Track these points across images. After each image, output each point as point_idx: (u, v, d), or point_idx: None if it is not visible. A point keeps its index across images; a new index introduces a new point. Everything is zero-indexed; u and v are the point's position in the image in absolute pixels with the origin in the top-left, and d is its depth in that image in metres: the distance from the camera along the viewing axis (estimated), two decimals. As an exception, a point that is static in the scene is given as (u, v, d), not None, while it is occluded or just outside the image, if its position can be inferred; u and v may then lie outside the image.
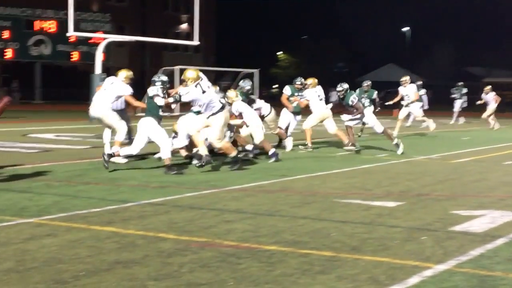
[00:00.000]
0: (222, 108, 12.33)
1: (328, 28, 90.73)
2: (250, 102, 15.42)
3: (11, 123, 26.47)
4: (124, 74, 13.55)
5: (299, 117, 17.26)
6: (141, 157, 13.53)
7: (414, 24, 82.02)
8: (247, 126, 14.42)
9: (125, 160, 12.81)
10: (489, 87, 31.40)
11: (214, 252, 6.20)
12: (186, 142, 13.41)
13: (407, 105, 22.97)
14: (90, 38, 51.13)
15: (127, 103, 13.53)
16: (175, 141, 13.45)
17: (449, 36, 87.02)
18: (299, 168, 13.06)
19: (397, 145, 16.21)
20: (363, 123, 21.35)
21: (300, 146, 16.83)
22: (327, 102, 21.20)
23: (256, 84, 34.73)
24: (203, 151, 12.02)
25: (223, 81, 43.49)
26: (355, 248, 6.52)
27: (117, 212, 8.14)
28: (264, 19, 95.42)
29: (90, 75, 28.67)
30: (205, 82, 12.35)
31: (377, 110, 21.81)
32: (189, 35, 66.75)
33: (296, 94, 16.98)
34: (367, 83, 22.22)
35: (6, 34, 54.52)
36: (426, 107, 30.49)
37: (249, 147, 14.58)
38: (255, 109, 15.25)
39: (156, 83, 12.31)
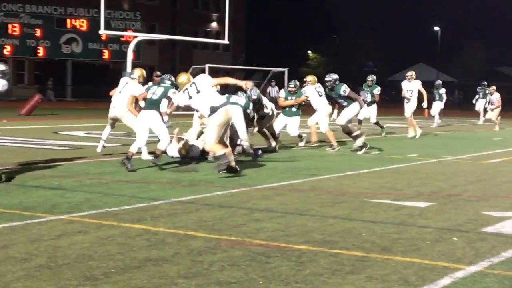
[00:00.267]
0: (215, 110, 11.54)
1: (358, 27, 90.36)
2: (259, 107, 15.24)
3: (43, 120, 26.73)
4: (138, 73, 13.95)
5: (296, 119, 17.08)
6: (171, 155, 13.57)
7: (445, 23, 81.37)
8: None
9: (149, 157, 12.91)
10: (493, 87, 30.78)
11: (244, 251, 6.21)
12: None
13: (408, 101, 22.30)
14: (121, 36, 51.46)
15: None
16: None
17: (481, 35, 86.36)
18: (328, 168, 13.03)
19: (361, 147, 15.93)
20: (360, 122, 21.36)
21: (326, 148, 16.80)
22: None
23: (285, 83, 34.70)
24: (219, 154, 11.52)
25: (252, 80, 43.54)
26: (385, 248, 6.49)
27: (147, 209, 8.17)
28: (294, 18, 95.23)
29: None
30: (195, 87, 11.73)
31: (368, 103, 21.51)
32: (219, 34, 67.11)
33: (289, 98, 16.85)
34: (371, 78, 21.97)
35: (38, 32, 55.05)
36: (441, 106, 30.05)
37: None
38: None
39: (166, 82, 12.88)
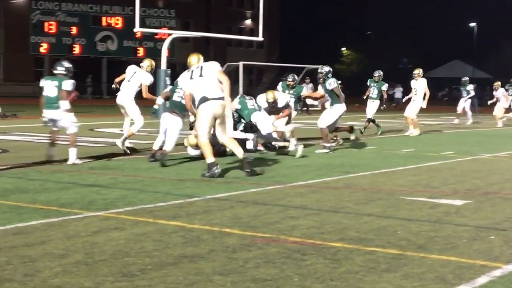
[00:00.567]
0: (205, 100, 10.90)
1: (393, 23, 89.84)
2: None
3: (78, 117, 26.92)
4: (147, 63, 14.47)
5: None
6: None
7: (481, 19, 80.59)
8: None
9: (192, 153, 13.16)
10: (498, 83, 30.05)
11: (279, 248, 6.20)
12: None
13: (413, 100, 21.89)
14: (156, 34, 51.72)
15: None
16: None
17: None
18: (363, 165, 12.98)
19: (325, 147, 15.23)
20: (369, 120, 20.83)
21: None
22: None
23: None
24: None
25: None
26: (422, 246, 6.45)
27: (182, 206, 8.20)
28: (328, 15, 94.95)
29: (156, 71, 28.94)
30: (200, 70, 11.08)
31: (383, 107, 21.14)
32: (253, 31, 67.09)
33: (287, 91, 16.52)
34: (378, 73, 21.44)
35: (73, 30, 55.55)
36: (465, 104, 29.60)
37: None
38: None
39: None
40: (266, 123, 14.01)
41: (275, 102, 14.49)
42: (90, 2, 55.99)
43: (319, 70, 15.67)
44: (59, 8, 55.26)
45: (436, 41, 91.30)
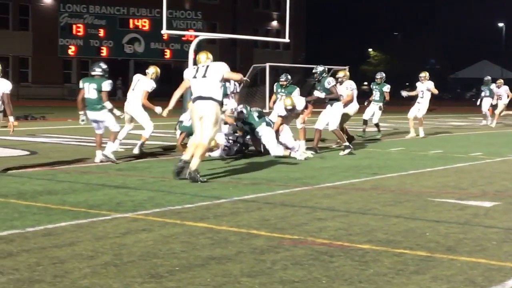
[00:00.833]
0: (194, 101, 10.70)
1: (420, 24, 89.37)
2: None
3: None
4: (153, 70, 14.70)
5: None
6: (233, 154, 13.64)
7: (510, 20, 79.90)
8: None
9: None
10: (501, 80, 29.56)
11: (307, 250, 6.19)
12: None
13: (418, 102, 21.42)
14: (183, 36, 51.87)
15: None
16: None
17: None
18: (390, 166, 12.92)
19: (346, 147, 15.08)
20: (365, 122, 20.16)
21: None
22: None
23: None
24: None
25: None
26: (451, 248, 6.40)
27: (210, 208, 8.22)
28: (355, 16, 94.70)
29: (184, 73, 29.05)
30: (204, 70, 10.74)
31: (380, 107, 20.51)
32: (279, 32, 67.11)
33: (279, 90, 16.17)
34: (380, 75, 20.82)
35: (101, 33, 55.91)
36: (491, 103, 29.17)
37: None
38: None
39: None
40: (273, 143, 13.91)
41: (293, 107, 14.25)
42: (117, 5, 56.31)
43: (313, 71, 15.67)
44: (86, 11, 55.64)
45: (464, 42, 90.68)
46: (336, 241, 6.59)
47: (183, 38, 53.06)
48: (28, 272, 5.30)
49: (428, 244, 6.53)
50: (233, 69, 13.55)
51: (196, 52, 13.96)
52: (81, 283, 5.06)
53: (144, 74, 14.60)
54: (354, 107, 17.32)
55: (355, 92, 17.50)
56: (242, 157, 13.68)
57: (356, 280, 5.30)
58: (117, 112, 13.06)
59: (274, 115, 15.12)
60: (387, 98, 20.39)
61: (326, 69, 15.75)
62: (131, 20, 56.89)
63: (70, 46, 55.54)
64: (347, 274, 5.46)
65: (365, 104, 20.79)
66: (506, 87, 29.03)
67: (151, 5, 54.31)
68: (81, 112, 12.70)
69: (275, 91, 16.46)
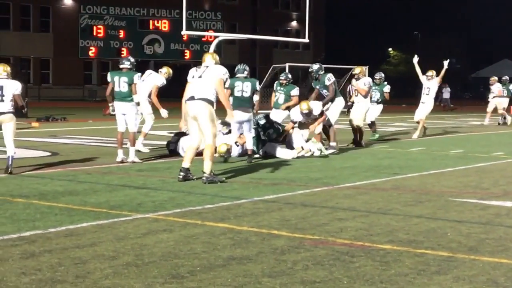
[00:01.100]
0: (188, 99, 10.60)
1: (440, 24, 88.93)
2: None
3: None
4: (165, 70, 15.06)
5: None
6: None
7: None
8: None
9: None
10: (495, 78, 29.05)
11: (328, 250, 6.18)
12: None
13: (423, 102, 20.67)
14: (202, 37, 52.00)
15: None
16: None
17: None
18: (411, 166, 12.87)
19: (330, 147, 14.96)
20: (373, 123, 19.33)
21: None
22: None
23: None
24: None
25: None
26: (472, 248, 6.37)
27: (230, 208, 8.23)
28: (375, 15, 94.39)
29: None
30: (202, 71, 10.66)
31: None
32: (299, 33, 67.07)
33: (278, 88, 16.07)
34: (379, 76, 19.92)
35: (121, 34, 56.16)
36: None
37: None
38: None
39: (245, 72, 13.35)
40: (285, 151, 13.98)
41: (310, 112, 14.15)
42: (137, 6, 56.52)
43: (309, 69, 15.65)
44: (107, 12, 55.92)
45: (484, 41, 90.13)
46: (357, 241, 6.57)
47: (203, 39, 53.20)
48: (50, 272, 5.34)
49: (449, 244, 6.49)
50: (253, 70, 13.60)
51: (217, 52, 13.96)
52: (102, 283, 5.09)
53: (173, 75, 15.13)
54: (367, 103, 17.30)
55: (371, 90, 17.49)
56: (262, 158, 13.69)
57: (377, 281, 5.28)
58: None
59: (276, 115, 15.26)
60: (387, 98, 19.87)
61: (323, 66, 15.74)
62: (151, 21, 57.11)
63: (90, 48, 55.86)
64: (368, 274, 5.45)
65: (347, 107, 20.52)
66: (499, 85, 28.64)
67: (171, 6, 54.48)
68: (111, 104, 12.98)
69: (274, 89, 16.40)
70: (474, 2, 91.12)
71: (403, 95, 54.09)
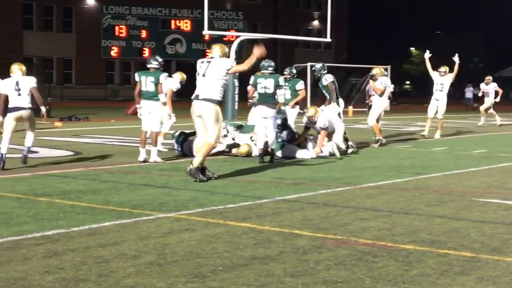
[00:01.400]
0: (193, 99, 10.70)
1: (462, 23, 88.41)
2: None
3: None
4: (178, 76, 15.45)
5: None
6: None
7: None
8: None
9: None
10: (490, 77, 28.56)
11: (350, 250, 6.17)
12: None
13: (436, 98, 20.16)
14: (224, 36, 52.04)
15: None
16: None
17: None
18: (434, 166, 12.81)
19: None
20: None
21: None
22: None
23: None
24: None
25: (353, 78, 43.18)
26: (496, 249, 6.32)
27: (252, 208, 8.23)
28: (396, 15, 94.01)
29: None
30: (205, 68, 10.63)
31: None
32: (320, 32, 66.94)
33: (284, 84, 16.00)
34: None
35: (143, 34, 56.36)
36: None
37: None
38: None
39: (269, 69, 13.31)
40: (304, 151, 13.94)
41: (312, 118, 13.83)
42: (159, 6, 56.70)
43: (312, 68, 15.60)
44: (129, 12, 56.16)
45: (507, 40, 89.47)
46: (379, 241, 6.55)
47: (225, 39, 53.09)
48: (74, 271, 5.36)
49: (473, 245, 6.45)
50: (275, 69, 13.52)
51: (238, 52, 13.95)
52: (125, 282, 5.10)
53: (195, 75, 15.04)
54: (384, 102, 17.20)
55: (388, 90, 17.37)
56: (283, 158, 13.67)
57: (400, 281, 5.26)
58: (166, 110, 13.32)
59: (288, 113, 15.03)
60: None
61: (325, 65, 15.66)
62: (172, 21, 57.28)
63: (112, 47, 56.13)
64: (391, 274, 5.43)
65: (367, 106, 20.26)
66: (494, 84, 28.30)
67: (193, 6, 54.59)
68: (138, 105, 13.09)
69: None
70: (497, 1, 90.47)
71: (425, 94, 53.84)
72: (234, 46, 26.03)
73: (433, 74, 20.48)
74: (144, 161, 12.67)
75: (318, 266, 5.63)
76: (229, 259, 5.79)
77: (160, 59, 13.24)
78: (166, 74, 13.14)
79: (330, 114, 14.45)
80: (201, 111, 10.52)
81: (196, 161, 10.36)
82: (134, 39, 56.34)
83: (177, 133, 14.17)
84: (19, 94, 11.60)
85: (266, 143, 13.13)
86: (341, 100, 15.61)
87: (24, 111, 11.63)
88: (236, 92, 21.32)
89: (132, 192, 9.27)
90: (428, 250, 6.21)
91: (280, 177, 11.01)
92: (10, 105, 11.71)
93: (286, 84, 15.70)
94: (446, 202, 8.87)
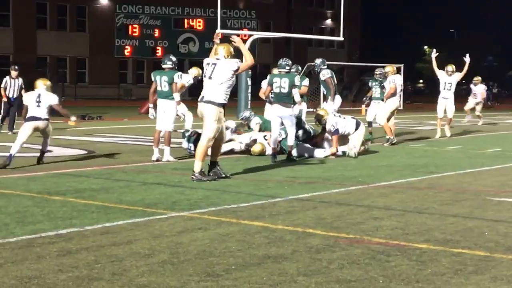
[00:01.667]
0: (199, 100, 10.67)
1: (476, 21, 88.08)
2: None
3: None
4: (195, 72, 15.73)
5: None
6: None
7: None
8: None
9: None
10: (479, 78, 28.05)
11: (363, 249, 6.15)
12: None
13: (444, 97, 19.97)
14: (237, 35, 52.07)
15: None
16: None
17: None
18: (447, 165, 12.76)
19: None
20: (370, 124, 18.36)
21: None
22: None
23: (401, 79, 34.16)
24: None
25: (365, 77, 43.09)
26: (510, 248, 6.29)
27: (265, 207, 8.22)
28: (410, 13, 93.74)
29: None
30: (211, 70, 10.59)
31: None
32: (333, 31, 66.86)
33: None
34: (379, 71, 18.51)
35: (156, 33, 56.45)
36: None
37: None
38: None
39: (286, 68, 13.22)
40: (318, 150, 13.94)
41: (321, 117, 13.84)
42: (172, 5, 56.77)
43: (312, 63, 15.66)
44: (142, 11, 56.23)
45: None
46: (392, 240, 6.53)
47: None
48: (87, 269, 5.38)
49: (487, 244, 6.42)
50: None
51: (251, 51, 13.89)
52: (138, 281, 5.11)
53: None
54: (394, 101, 17.15)
55: (399, 88, 17.31)
56: (297, 157, 13.64)
57: (414, 280, 5.24)
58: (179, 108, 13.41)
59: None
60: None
61: (325, 61, 15.65)
62: (185, 20, 57.30)
63: (126, 47, 56.22)
64: (404, 273, 5.41)
65: (364, 103, 20.08)
66: (483, 86, 27.74)
67: (206, 5, 54.60)
68: (151, 105, 13.18)
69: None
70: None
71: (438, 93, 53.64)
72: (247, 45, 26.01)
73: (439, 73, 20.22)
74: (157, 160, 12.69)
75: (331, 265, 5.62)
76: (242, 258, 5.79)
77: (174, 59, 13.33)
78: (180, 73, 13.17)
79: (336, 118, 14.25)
80: (203, 112, 10.56)
81: (196, 167, 10.38)
82: (147, 38, 56.42)
83: (188, 133, 14.17)
84: (38, 106, 12.11)
85: (278, 143, 13.13)
86: (337, 97, 15.54)
87: (40, 122, 12.10)
88: (249, 91, 21.36)
89: (145, 191, 9.29)
90: (441, 249, 6.19)
91: (293, 176, 11.00)
92: (28, 115, 12.14)
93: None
94: (460, 201, 8.83)
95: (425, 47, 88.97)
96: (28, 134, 12.08)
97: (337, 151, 13.74)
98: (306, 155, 13.80)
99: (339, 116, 13.95)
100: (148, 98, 13.48)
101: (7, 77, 19.75)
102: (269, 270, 5.45)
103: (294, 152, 13.32)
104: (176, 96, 12.85)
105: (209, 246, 6.20)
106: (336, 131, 13.73)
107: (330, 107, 14.94)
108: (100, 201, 8.38)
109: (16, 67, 20.03)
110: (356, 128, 13.82)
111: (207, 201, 8.56)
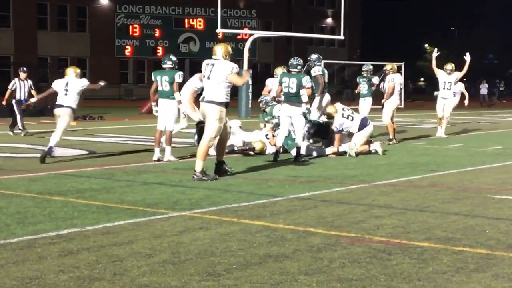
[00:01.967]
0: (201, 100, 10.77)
1: (477, 19, 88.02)
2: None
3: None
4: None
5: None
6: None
7: None
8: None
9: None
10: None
11: (364, 248, 6.15)
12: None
13: (443, 97, 19.56)
14: (237, 35, 52.06)
15: None
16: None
17: None
18: (448, 163, 12.75)
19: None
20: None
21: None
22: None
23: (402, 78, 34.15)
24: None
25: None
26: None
27: (266, 206, 8.22)
28: (411, 11, 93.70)
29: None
30: (209, 71, 10.61)
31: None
32: (334, 30, 66.88)
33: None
34: (367, 68, 18.06)
35: (157, 33, 56.45)
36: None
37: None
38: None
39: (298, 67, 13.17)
40: (320, 149, 13.99)
41: (330, 115, 13.90)
42: (172, 5, 56.76)
43: (308, 58, 15.51)
44: (142, 11, 56.22)
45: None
46: (393, 238, 6.53)
47: (238, 37, 53.21)
48: (88, 270, 5.38)
49: (488, 242, 6.42)
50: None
51: (251, 51, 13.92)
52: (140, 281, 5.11)
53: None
54: (394, 100, 17.13)
55: (398, 87, 17.29)
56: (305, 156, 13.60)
57: (415, 278, 5.24)
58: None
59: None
60: (374, 88, 18.20)
61: (321, 58, 15.63)
62: (186, 20, 57.29)
63: (126, 47, 56.22)
64: (406, 272, 5.41)
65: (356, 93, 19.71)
66: (461, 85, 25.57)
67: (206, 5, 54.61)
68: (154, 103, 13.22)
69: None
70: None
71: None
72: (248, 44, 26.01)
73: (438, 73, 19.91)
74: (158, 160, 12.69)
75: (332, 264, 5.62)
76: (243, 257, 5.79)
77: (174, 58, 13.32)
78: (181, 73, 13.13)
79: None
80: (205, 113, 10.60)
81: (198, 167, 10.40)
82: (148, 38, 56.40)
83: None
84: (66, 94, 12.75)
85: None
86: (326, 95, 15.48)
87: (61, 109, 12.68)
88: (250, 90, 21.33)
89: (146, 190, 9.29)
90: (443, 248, 6.18)
91: (294, 175, 11.00)
92: (56, 102, 12.80)
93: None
94: (461, 199, 8.83)
95: (426, 45, 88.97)
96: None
97: (338, 150, 13.74)
98: (314, 154, 13.78)
99: (347, 117, 13.92)
100: (149, 98, 13.50)
101: (16, 79, 19.80)
102: (270, 269, 5.45)
103: (303, 151, 13.24)
104: (177, 95, 12.84)
105: (210, 245, 6.20)
106: (339, 130, 13.78)
107: (316, 103, 14.90)
108: (101, 201, 8.38)
109: (25, 68, 20.12)
110: (361, 128, 13.84)
111: (208, 200, 8.56)
